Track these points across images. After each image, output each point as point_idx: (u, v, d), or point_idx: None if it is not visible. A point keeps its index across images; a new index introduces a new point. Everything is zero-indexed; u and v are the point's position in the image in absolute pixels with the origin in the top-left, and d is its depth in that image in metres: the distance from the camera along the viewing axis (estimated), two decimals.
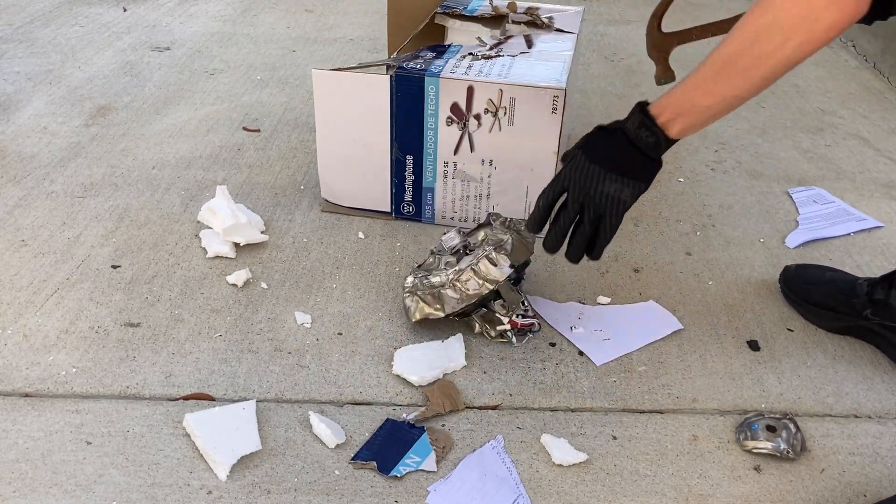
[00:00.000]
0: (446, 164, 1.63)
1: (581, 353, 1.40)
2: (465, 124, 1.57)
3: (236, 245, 1.62)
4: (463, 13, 1.84)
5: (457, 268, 1.38)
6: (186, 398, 1.28)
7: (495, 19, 1.83)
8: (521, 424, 1.25)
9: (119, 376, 1.31)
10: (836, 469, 1.20)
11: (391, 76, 1.56)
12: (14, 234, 1.66)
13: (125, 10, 2.98)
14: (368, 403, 1.28)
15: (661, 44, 1.69)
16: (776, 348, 1.43)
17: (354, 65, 1.66)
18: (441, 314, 1.37)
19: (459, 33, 1.83)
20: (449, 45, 1.74)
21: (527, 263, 1.47)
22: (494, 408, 1.28)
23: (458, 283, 1.36)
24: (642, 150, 1.16)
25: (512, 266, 1.37)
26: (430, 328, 1.43)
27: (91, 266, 1.57)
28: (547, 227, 1.23)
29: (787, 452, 1.19)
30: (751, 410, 1.29)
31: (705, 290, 1.57)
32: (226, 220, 1.61)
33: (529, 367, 1.36)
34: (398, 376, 1.33)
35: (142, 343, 1.38)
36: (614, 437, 1.23)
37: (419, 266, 1.51)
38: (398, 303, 1.50)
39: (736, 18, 1.27)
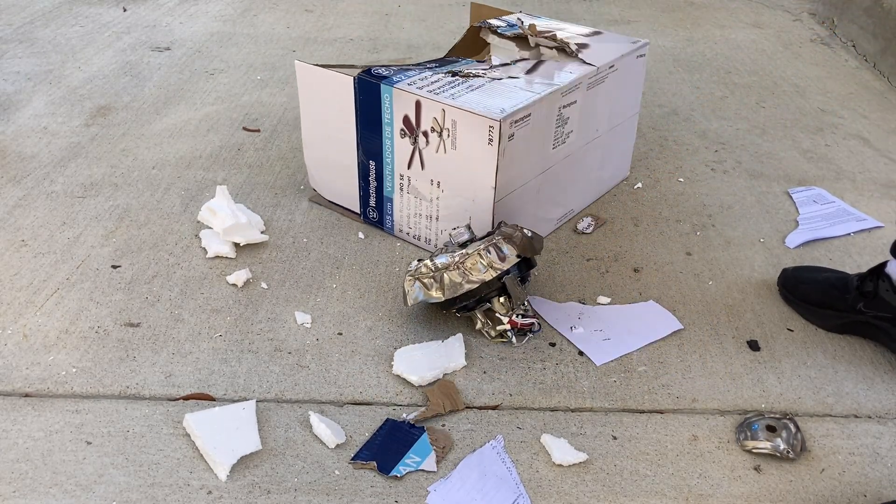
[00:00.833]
0: (402, 176, 1.60)
1: (581, 353, 1.40)
2: (415, 139, 1.54)
3: (236, 245, 1.62)
4: (500, 30, 1.81)
5: (464, 251, 1.38)
6: (186, 398, 1.28)
7: (522, 40, 1.78)
8: (521, 424, 1.25)
9: (119, 376, 1.31)
10: (836, 469, 1.20)
11: (354, 78, 1.55)
12: (14, 234, 1.66)
13: (125, 10, 2.98)
14: (368, 403, 1.28)
15: None
16: (776, 348, 1.43)
17: (348, 63, 1.67)
18: (441, 298, 1.36)
19: (498, 49, 1.81)
20: (456, 60, 1.75)
21: (532, 264, 1.47)
22: (494, 408, 1.28)
23: (462, 266, 1.36)
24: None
25: (519, 256, 1.37)
26: (430, 328, 1.43)
27: (91, 266, 1.57)
28: None
29: (787, 452, 1.19)
30: (751, 410, 1.29)
31: (705, 290, 1.57)
32: (226, 220, 1.61)
33: (529, 367, 1.36)
34: (398, 376, 1.33)
35: (142, 343, 1.38)
36: (614, 437, 1.23)
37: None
38: (398, 303, 1.50)
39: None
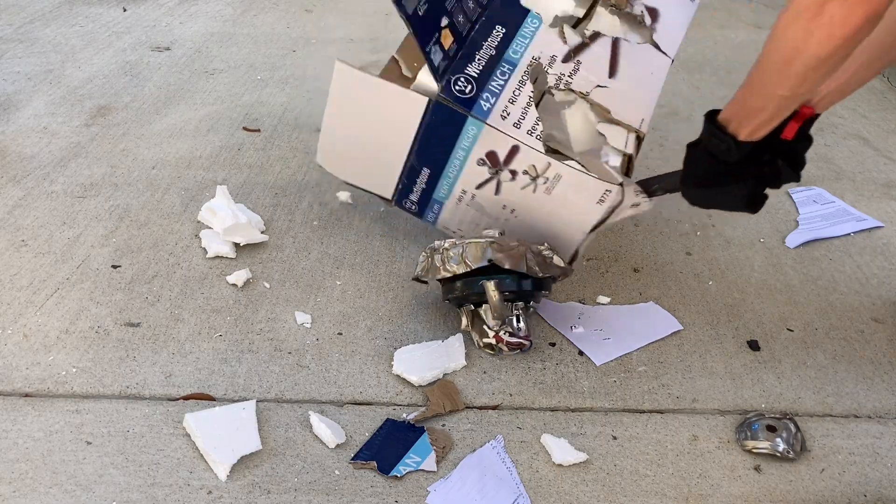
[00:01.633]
0: (464, 191, 1.48)
1: (581, 353, 1.40)
2: (497, 171, 1.43)
3: (236, 245, 1.62)
4: None
5: (465, 241, 1.36)
6: (186, 398, 1.28)
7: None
8: (521, 424, 1.25)
9: (119, 376, 1.31)
10: (836, 469, 1.20)
11: (429, 101, 1.39)
12: (14, 234, 1.66)
13: (125, 10, 2.98)
14: (368, 403, 1.28)
15: None
16: (776, 348, 1.43)
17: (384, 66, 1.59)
18: (424, 277, 1.39)
19: None
20: (517, 32, 1.45)
21: (543, 287, 1.40)
22: (494, 408, 1.28)
23: (447, 253, 1.36)
24: (719, 158, 1.18)
25: (491, 262, 1.31)
26: (430, 328, 1.43)
27: (91, 266, 1.57)
28: None
29: (787, 452, 1.19)
30: (751, 410, 1.29)
31: (705, 290, 1.57)
32: (226, 220, 1.61)
33: (529, 367, 1.36)
34: (398, 376, 1.33)
35: (142, 343, 1.38)
36: (614, 437, 1.23)
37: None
38: (398, 303, 1.50)
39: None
